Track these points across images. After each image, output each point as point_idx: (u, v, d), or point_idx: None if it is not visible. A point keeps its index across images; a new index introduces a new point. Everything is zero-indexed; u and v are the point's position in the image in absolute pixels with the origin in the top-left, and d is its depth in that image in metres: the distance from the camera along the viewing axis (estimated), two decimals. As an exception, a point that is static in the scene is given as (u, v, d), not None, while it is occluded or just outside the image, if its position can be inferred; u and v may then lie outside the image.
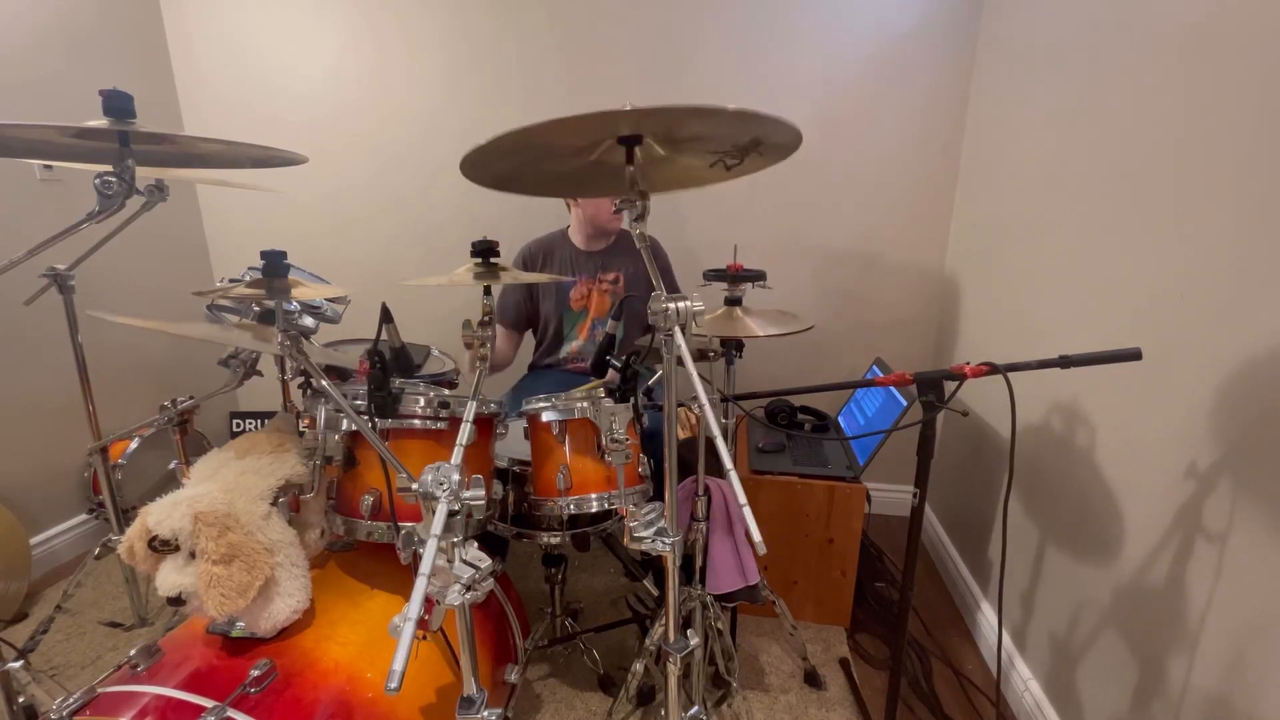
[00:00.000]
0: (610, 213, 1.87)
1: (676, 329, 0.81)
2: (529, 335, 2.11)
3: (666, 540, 0.91)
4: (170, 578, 0.95)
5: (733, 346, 1.37)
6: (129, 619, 1.77)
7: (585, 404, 1.26)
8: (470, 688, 0.88)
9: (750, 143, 0.87)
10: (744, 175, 0.96)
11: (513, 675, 1.31)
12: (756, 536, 0.68)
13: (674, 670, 0.98)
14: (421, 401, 1.18)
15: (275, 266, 0.99)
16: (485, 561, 0.81)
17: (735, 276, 1.33)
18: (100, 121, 0.85)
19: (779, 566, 1.81)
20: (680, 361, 0.80)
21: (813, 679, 1.61)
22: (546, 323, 2.02)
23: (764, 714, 1.52)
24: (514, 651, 1.37)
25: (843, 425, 2.08)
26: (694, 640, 1.00)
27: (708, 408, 0.77)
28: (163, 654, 0.96)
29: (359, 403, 1.14)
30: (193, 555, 0.96)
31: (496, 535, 1.41)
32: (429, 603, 0.73)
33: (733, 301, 1.33)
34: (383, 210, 2.50)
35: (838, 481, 1.73)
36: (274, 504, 1.08)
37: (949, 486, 2.13)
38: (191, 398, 1.47)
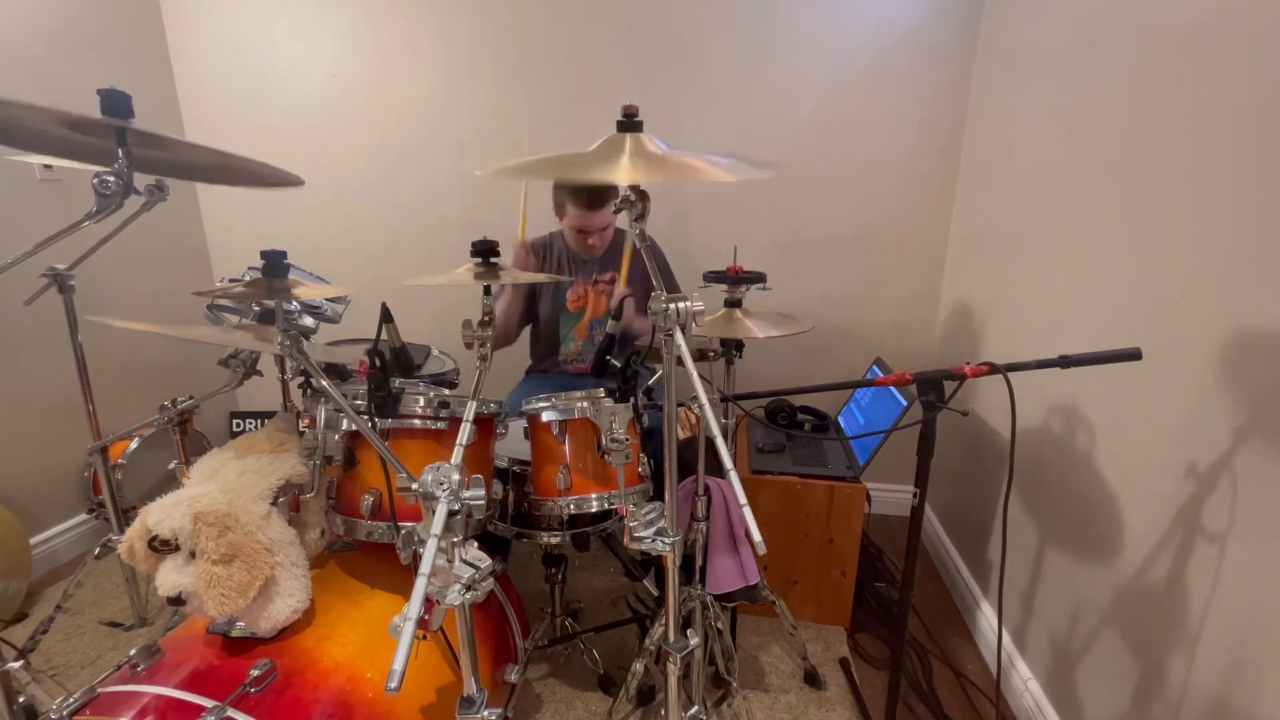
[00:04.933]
0: (588, 226, 1.85)
1: (676, 329, 0.81)
2: (526, 334, 2.11)
3: (666, 540, 0.91)
4: (170, 578, 0.95)
5: (732, 346, 1.36)
6: (129, 619, 1.77)
7: (585, 404, 1.26)
8: (470, 688, 0.88)
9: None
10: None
11: (513, 675, 1.31)
12: (756, 536, 0.68)
13: (674, 670, 0.98)
14: (421, 401, 1.18)
15: (275, 266, 0.99)
16: (485, 561, 0.81)
17: (735, 279, 1.33)
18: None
19: (779, 566, 1.81)
20: (680, 361, 0.80)
21: (813, 679, 1.61)
22: (542, 323, 2.02)
23: (764, 714, 1.52)
24: (514, 651, 1.36)
25: (843, 425, 2.08)
26: (694, 640, 1.00)
27: (708, 408, 0.77)
28: (163, 654, 0.96)
29: (359, 403, 1.14)
30: (193, 555, 0.96)
31: (497, 535, 1.41)
32: (429, 602, 0.73)
33: (733, 304, 1.33)
34: (383, 210, 2.50)
35: (838, 481, 1.73)
36: (274, 504, 1.08)
37: (949, 486, 2.13)
38: (191, 398, 1.47)
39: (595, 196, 1.76)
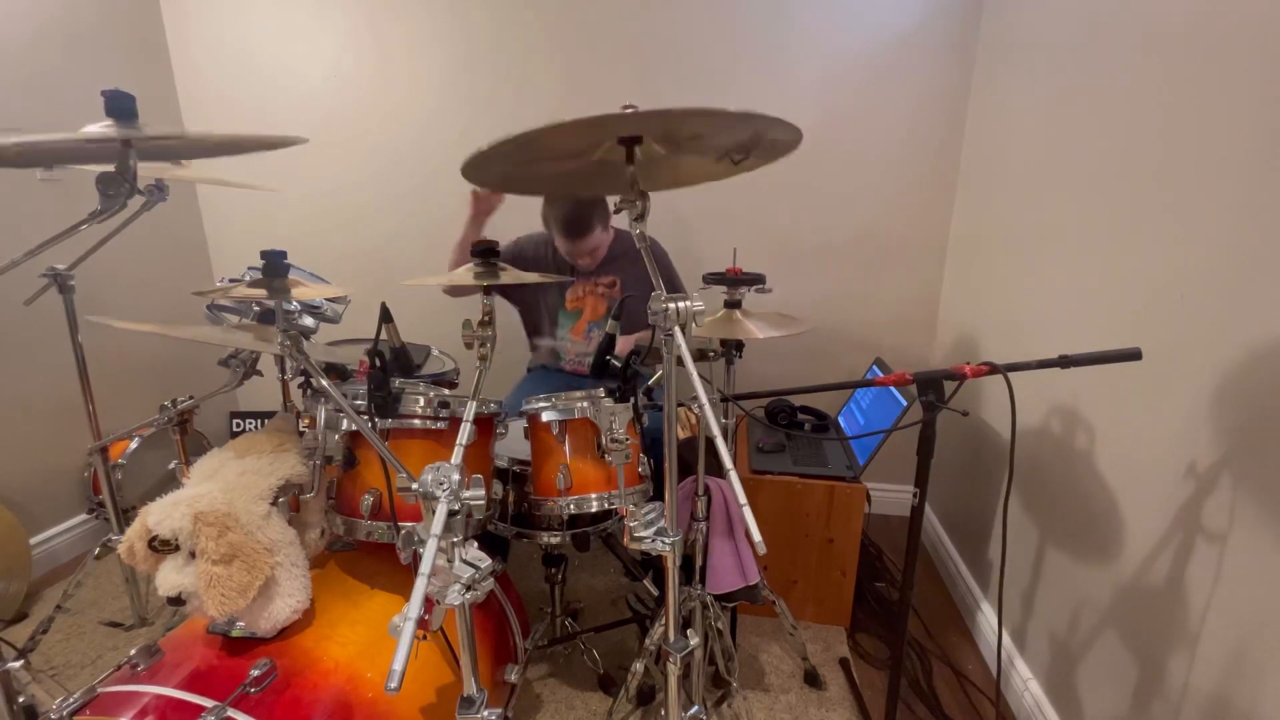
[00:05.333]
0: (572, 253, 1.85)
1: (676, 329, 0.81)
2: (523, 332, 2.10)
3: (666, 540, 0.91)
4: (170, 578, 0.95)
5: (732, 346, 1.36)
6: (129, 619, 1.77)
7: (585, 404, 1.26)
8: (470, 688, 0.88)
9: (751, 139, 0.87)
10: (750, 170, 0.96)
11: (513, 675, 1.31)
12: (756, 536, 0.68)
13: (674, 670, 0.98)
14: (421, 401, 1.18)
15: (275, 266, 0.99)
16: (485, 561, 0.81)
17: (735, 280, 1.33)
18: (105, 123, 0.85)
19: (779, 566, 1.81)
20: (680, 361, 0.80)
21: (813, 679, 1.61)
22: (540, 317, 2.01)
23: (764, 714, 1.52)
24: (514, 651, 1.37)
25: (843, 425, 2.08)
26: (694, 640, 1.00)
27: (708, 408, 0.77)
28: (163, 654, 0.96)
29: (359, 403, 1.14)
30: (193, 555, 0.96)
31: (497, 535, 1.41)
32: (429, 602, 0.73)
33: (732, 304, 1.33)
34: (383, 210, 2.50)
35: (838, 481, 1.73)
36: (274, 504, 1.08)
37: (949, 486, 2.13)
38: (191, 398, 1.47)
39: (576, 225, 1.75)
